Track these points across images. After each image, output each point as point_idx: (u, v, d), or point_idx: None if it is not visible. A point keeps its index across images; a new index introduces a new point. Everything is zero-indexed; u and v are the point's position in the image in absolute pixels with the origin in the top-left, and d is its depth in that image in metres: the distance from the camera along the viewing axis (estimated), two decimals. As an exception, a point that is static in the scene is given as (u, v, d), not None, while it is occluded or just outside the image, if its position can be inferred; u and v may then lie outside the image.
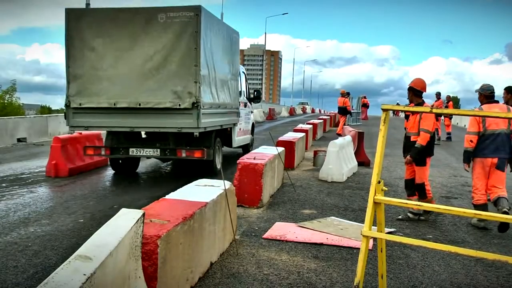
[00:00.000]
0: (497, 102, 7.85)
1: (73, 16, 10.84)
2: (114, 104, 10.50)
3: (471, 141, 7.60)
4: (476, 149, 7.59)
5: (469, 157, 7.72)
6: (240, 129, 14.70)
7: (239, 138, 14.68)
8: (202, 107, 10.38)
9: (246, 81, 16.10)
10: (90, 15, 10.96)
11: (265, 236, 6.82)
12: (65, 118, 11.13)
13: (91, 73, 10.68)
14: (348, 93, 28.47)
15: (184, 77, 10.31)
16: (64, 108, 11.33)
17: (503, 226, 7.16)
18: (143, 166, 13.61)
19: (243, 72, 15.75)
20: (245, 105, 15.81)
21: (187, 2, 10.77)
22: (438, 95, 24.27)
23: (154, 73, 10.41)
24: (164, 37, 10.33)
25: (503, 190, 7.58)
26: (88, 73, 10.71)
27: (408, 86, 7.97)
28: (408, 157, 7.81)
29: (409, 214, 8.05)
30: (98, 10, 11.14)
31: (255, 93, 17.10)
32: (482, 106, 7.75)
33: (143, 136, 11.98)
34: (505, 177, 7.67)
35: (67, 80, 10.94)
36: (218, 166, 12.13)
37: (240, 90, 14.65)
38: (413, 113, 7.78)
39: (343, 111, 26.59)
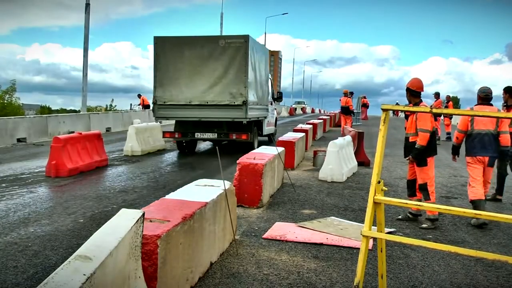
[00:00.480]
0: (491, 105, 8.15)
1: (159, 41, 15.90)
2: (190, 102, 15.45)
3: (457, 137, 8.36)
4: (466, 148, 8.17)
5: (455, 150, 8.56)
6: (268, 121, 19.20)
7: (267, 128, 19.18)
8: (248, 104, 15.18)
9: (271, 84, 20.43)
10: (171, 41, 15.92)
11: (265, 236, 6.82)
12: (153, 111, 16.43)
13: (173, 81, 15.61)
14: (351, 93, 28.61)
15: (237, 84, 15.20)
16: (150, 104, 18.47)
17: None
18: (144, 166, 13.62)
19: (270, 78, 19.97)
20: (271, 103, 20.10)
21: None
22: (437, 95, 24.55)
23: (217, 81, 15.26)
24: (224, 56, 15.27)
25: (488, 187, 8.58)
26: (171, 81, 15.63)
27: (405, 87, 7.87)
28: (410, 157, 7.73)
29: (408, 214, 8.02)
30: (177, 38, 16.03)
31: (278, 94, 22.04)
32: (474, 106, 8.24)
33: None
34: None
35: (154, 85, 15.79)
36: (255, 147, 15.44)
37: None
38: (411, 113, 7.76)
39: (346, 110, 26.63)
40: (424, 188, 7.72)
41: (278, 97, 21.81)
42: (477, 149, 7.99)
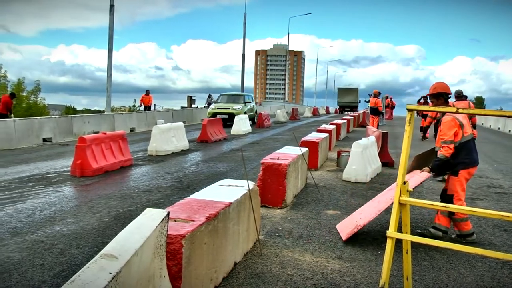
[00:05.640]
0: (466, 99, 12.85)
1: (339, 89, 72.36)
2: (345, 101, 68.64)
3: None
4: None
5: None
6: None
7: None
8: (358, 102, 67.31)
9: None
10: (340, 90, 71.28)
11: (345, 238, 6.70)
12: (337, 104, 71.56)
13: (342, 95, 69.65)
14: (379, 93, 28.54)
15: (356, 97, 68.31)
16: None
17: None
18: (168, 166, 13.68)
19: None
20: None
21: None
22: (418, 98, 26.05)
23: (351, 96, 68.46)
24: (353, 91, 70.24)
25: None
26: (341, 95, 69.87)
27: (433, 94, 7.19)
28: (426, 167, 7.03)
29: (431, 229, 7.22)
30: (342, 88, 72.80)
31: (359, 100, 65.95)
32: (454, 102, 12.55)
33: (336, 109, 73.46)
34: None
35: (338, 96, 70.92)
36: (358, 110, 59.53)
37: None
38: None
39: (375, 111, 26.49)
40: (450, 200, 6.94)
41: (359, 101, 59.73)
42: None
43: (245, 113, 30.43)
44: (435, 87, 7.21)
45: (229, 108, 30.56)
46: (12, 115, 22.86)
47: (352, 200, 9.48)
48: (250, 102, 33.21)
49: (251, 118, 31.44)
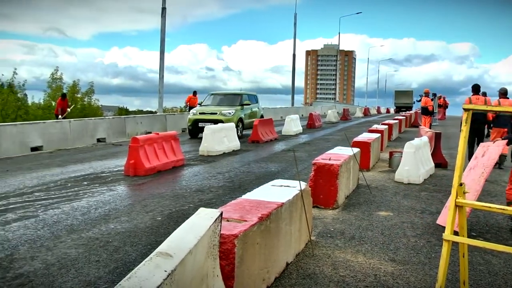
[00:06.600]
0: (508, 98, 13.29)
1: (396, 91, 78.58)
2: (400, 101, 74.58)
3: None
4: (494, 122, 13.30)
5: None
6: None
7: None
8: (413, 103, 66.56)
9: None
10: (397, 92, 76.79)
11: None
12: (394, 105, 77.31)
13: (398, 97, 75.65)
14: (434, 94, 28.08)
15: (410, 98, 72.13)
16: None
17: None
18: (219, 166, 13.78)
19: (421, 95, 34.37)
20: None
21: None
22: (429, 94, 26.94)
23: (409, 99, 73.66)
24: (408, 94, 75.63)
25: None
26: (397, 96, 76.01)
27: None
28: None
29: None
30: (397, 91, 78.27)
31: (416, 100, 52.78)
32: (499, 99, 13.33)
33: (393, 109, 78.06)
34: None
35: (394, 98, 76.87)
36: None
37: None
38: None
39: (425, 111, 26.01)
40: None
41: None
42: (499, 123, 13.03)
43: (240, 119, 22.00)
44: None
45: (217, 113, 21.60)
46: (62, 116, 23.27)
47: (405, 201, 9.34)
48: (250, 104, 23.54)
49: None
